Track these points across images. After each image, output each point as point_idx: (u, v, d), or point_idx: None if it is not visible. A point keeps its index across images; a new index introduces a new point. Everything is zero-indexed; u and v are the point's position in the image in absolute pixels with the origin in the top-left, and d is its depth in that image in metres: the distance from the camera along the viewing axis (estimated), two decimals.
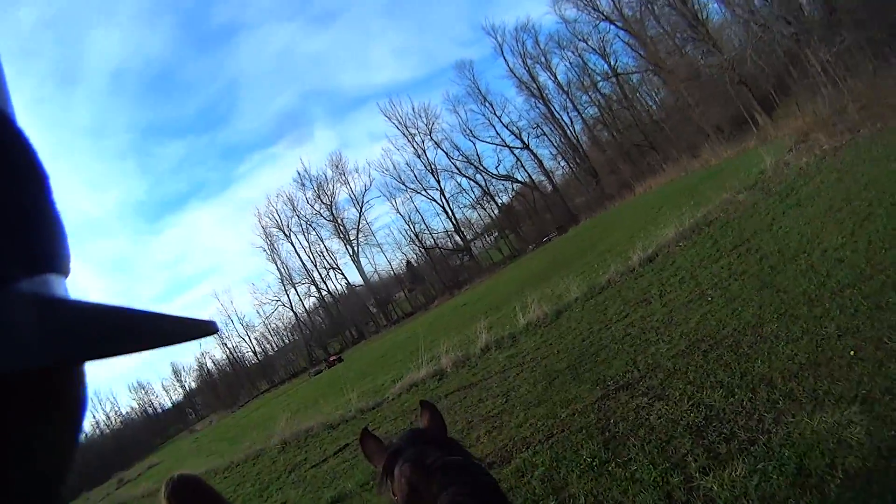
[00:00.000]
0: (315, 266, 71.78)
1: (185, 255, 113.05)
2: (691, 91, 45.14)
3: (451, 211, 67.66)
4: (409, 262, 72.91)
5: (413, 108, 72.06)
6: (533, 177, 66.54)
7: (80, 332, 0.28)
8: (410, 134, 66.81)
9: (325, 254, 71.59)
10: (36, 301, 0.28)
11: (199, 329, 0.35)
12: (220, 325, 0.41)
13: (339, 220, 69.68)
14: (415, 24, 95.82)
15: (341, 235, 69.65)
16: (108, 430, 74.28)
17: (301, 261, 71.99)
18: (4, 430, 0.28)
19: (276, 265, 72.04)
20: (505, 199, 68.71)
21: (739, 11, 37.65)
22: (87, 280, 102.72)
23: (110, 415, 78.31)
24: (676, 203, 19.30)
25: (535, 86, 62.04)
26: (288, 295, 73.10)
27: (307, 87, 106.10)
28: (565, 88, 61.40)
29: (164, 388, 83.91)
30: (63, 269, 0.34)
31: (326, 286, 72.47)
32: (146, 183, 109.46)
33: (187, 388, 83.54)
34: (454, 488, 1.28)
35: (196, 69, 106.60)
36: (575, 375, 7.84)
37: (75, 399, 0.35)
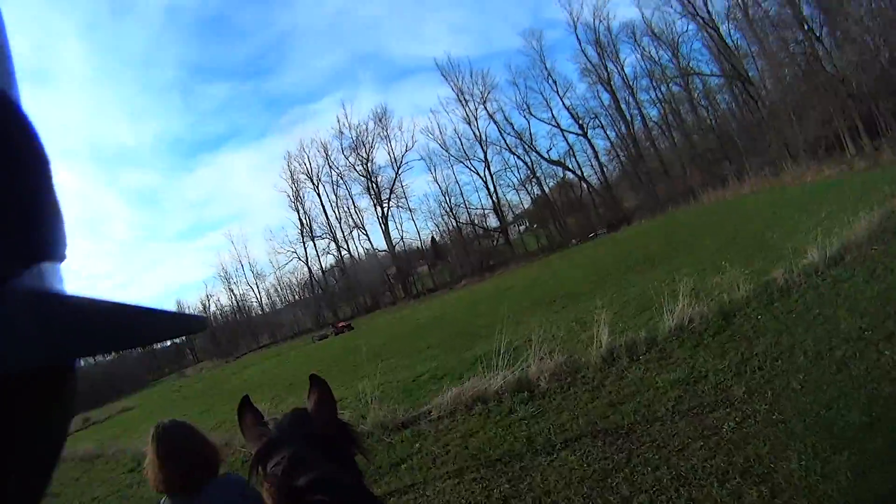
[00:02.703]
0: (339, 222, 67.68)
1: (213, 198, 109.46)
2: (785, 102, 40.27)
3: (495, 187, 62.69)
4: (433, 239, 68.47)
5: (471, 73, 65.77)
6: (584, 169, 62.14)
7: (75, 329, 0.28)
8: (464, 99, 61.58)
9: (352, 210, 67.36)
10: (32, 296, 0.28)
11: (190, 325, 0.37)
12: (208, 322, 0.41)
13: (373, 177, 65.09)
14: (476, 3, 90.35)
15: (373, 193, 65.02)
16: (100, 359, 71.30)
17: (325, 214, 67.89)
18: (1, 428, 0.28)
19: (298, 214, 68.01)
20: (552, 184, 63.93)
21: (854, 28, 33.13)
22: (115, 209, 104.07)
23: None
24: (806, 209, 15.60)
25: (604, 72, 57.64)
26: (305, 248, 69.23)
27: (358, 49, 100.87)
28: (630, 83, 57.28)
29: None
30: (58, 256, 0.34)
31: (347, 246, 68.38)
32: (186, 120, 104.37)
33: None
34: None
35: (251, 15, 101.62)
36: None
37: (67, 394, 0.35)
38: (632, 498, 4.54)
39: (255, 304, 75.72)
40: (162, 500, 2.44)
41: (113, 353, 0.63)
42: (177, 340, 78.60)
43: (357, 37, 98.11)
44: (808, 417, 4.75)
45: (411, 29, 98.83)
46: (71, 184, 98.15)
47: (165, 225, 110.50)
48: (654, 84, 56.51)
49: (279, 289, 75.49)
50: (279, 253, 70.78)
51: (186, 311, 0.35)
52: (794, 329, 6.98)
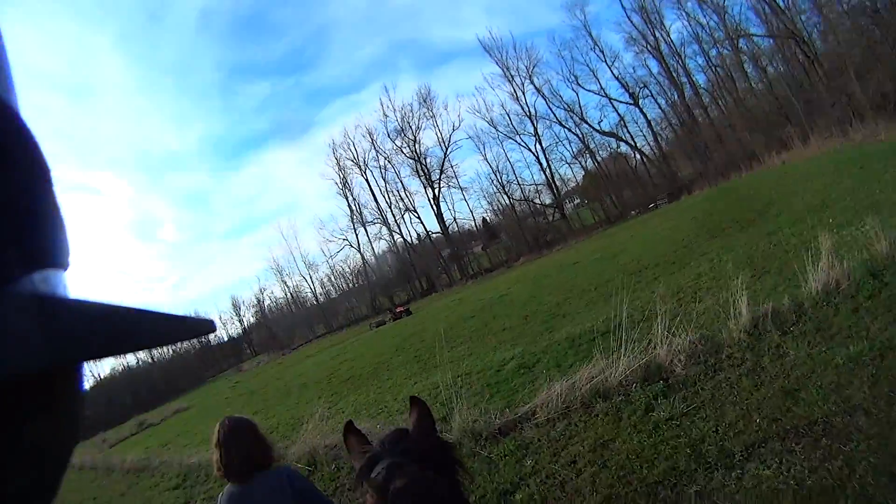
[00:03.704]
0: (389, 206, 66.17)
1: (260, 193, 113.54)
2: (845, 59, 37.22)
3: (548, 161, 60.20)
4: (485, 220, 66.74)
5: (514, 47, 62.95)
6: (636, 140, 59.72)
7: (79, 333, 0.28)
8: (510, 75, 59.29)
9: (402, 193, 65.70)
10: (35, 300, 0.28)
11: (197, 328, 0.36)
12: (216, 325, 0.41)
13: (422, 159, 63.37)
14: None
15: (422, 175, 63.31)
16: (158, 358, 72.44)
17: (375, 199, 66.51)
18: (3, 431, 0.28)
19: (348, 201, 66.86)
20: (605, 156, 61.65)
21: None
22: (165, 212, 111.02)
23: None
24: None
25: (652, 38, 55.07)
26: (356, 234, 68.02)
27: (396, 37, 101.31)
28: (678, 50, 54.57)
29: (222, 321, 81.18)
30: (62, 264, 0.34)
31: (399, 230, 66.78)
32: (229, 120, 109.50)
33: (245, 324, 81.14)
34: None
35: (286, 12, 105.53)
36: None
37: (73, 398, 0.35)
38: None
39: (308, 294, 75.04)
40: (226, 488, 2.77)
41: (115, 356, 0.32)
42: (233, 335, 79.63)
43: (394, 25, 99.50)
44: None
45: (448, 13, 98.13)
46: (121, 191, 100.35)
47: (215, 224, 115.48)
48: (704, 49, 53.81)
49: (332, 278, 74.88)
50: (330, 242, 70.45)
51: (194, 315, 0.34)
52: None
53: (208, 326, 0.37)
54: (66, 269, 0.33)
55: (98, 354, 0.28)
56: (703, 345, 6.33)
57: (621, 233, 35.45)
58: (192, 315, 0.35)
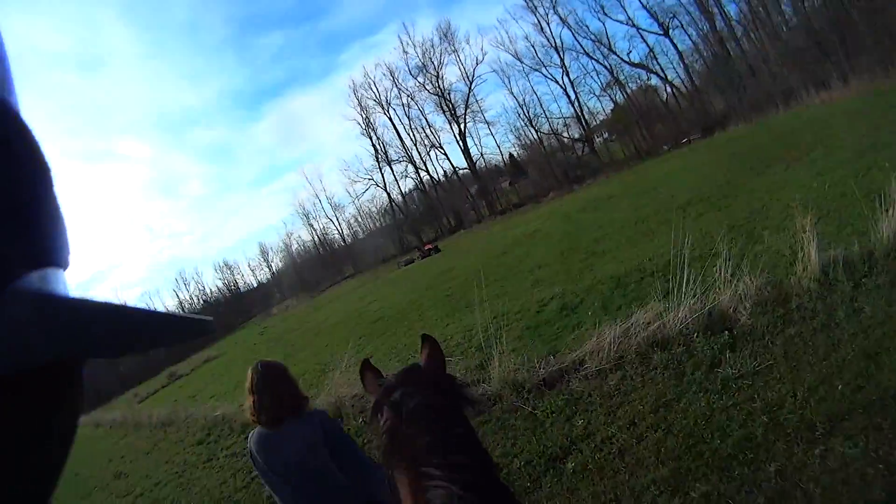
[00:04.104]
0: (415, 144, 64.26)
1: (284, 141, 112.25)
2: None
3: (576, 94, 57.97)
4: (511, 155, 64.84)
5: None
6: (667, 72, 56.43)
7: (79, 332, 0.29)
8: (533, 5, 56.64)
9: (428, 130, 63.56)
10: (35, 299, 0.29)
11: (197, 328, 0.36)
12: (215, 324, 0.40)
13: (446, 95, 61.13)
14: None
15: (447, 111, 61.19)
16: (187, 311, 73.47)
17: (399, 137, 64.52)
18: (3, 428, 0.29)
19: (372, 141, 64.87)
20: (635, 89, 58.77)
21: None
22: (185, 166, 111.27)
23: (193, 295, 77.94)
24: None
25: None
26: (382, 174, 66.28)
27: None
28: None
29: (251, 268, 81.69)
30: (62, 263, 0.34)
31: (426, 167, 65.19)
32: (245, 73, 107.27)
33: (273, 269, 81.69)
34: (422, 439, 1.32)
35: None
36: None
37: (72, 397, 0.35)
38: None
39: (336, 236, 74.70)
40: (253, 431, 2.79)
41: (115, 356, 0.32)
42: (263, 280, 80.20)
43: None
44: None
45: None
46: (142, 153, 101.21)
47: (239, 174, 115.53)
48: None
49: (359, 219, 74.15)
50: (356, 182, 68.12)
51: (191, 314, 0.35)
52: None
53: (208, 326, 0.37)
54: (66, 269, 0.34)
55: (98, 353, 0.29)
56: (769, 292, 5.58)
57: (655, 167, 34.02)
58: (193, 315, 0.35)
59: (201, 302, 76.17)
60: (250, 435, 2.79)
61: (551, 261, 13.32)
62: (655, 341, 5.45)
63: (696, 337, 5.29)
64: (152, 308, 0.32)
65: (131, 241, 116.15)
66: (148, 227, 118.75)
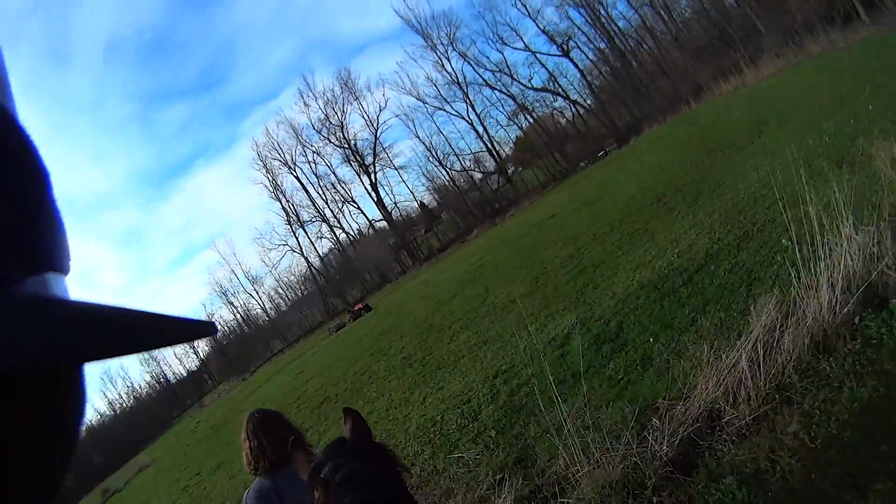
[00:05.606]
0: (326, 203, 62.57)
1: (194, 219, 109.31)
2: None
3: (483, 127, 57.77)
4: (422, 203, 64.12)
5: (432, 15, 60.31)
6: (569, 93, 57.54)
7: (80, 334, 0.28)
8: (432, 43, 56.61)
9: (338, 185, 62.13)
10: (35, 302, 0.29)
11: (197, 329, 0.36)
12: (218, 327, 0.41)
13: (352, 145, 59.84)
14: None
15: (355, 160, 59.89)
16: (118, 412, 69.87)
17: (309, 196, 62.71)
18: (4, 431, 0.28)
19: (281, 203, 62.77)
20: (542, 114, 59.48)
21: None
22: (103, 255, 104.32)
23: (122, 393, 74.50)
24: None
25: None
26: (297, 237, 64.06)
27: (306, 37, 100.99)
28: None
29: (177, 357, 77.51)
30: (63, 268, 0.34)
31: (340, 224, 63.35)
32: (151, 150, 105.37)
33: (201, 355, 77.84)
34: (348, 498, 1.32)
35: (190, 30, 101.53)
36: None
37: (74, 399, 0.35)
38: None
39: (259, 311, 72.08)
40: (253, 484, 2.66)
41: (116, 357, 0.31)
42: (191, 368, 75.38)
43: (301, 25, 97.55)
44: None
45: (355, 4, 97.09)
46: None
47: (155, 258, 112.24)
48: None
49: (280, 289, 71.93)
50: (270, 251, 66.08)
51: (191, 316, 0.34)
52: None
53: (209, 329, 0.36)
54: (66, 274, 0.34)
55: (100, 355, 0.28)
56: None
57: (581, 183, 32.97)
58: (193, 318, 0.34)
59: (132, 399, 72.82)
60: (246, 493, 2.65)
61: (527, 289, 11.00)
62: (818, 345, 3.27)
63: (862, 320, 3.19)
64: (154, 310, 0.30)
65: None
66: None
